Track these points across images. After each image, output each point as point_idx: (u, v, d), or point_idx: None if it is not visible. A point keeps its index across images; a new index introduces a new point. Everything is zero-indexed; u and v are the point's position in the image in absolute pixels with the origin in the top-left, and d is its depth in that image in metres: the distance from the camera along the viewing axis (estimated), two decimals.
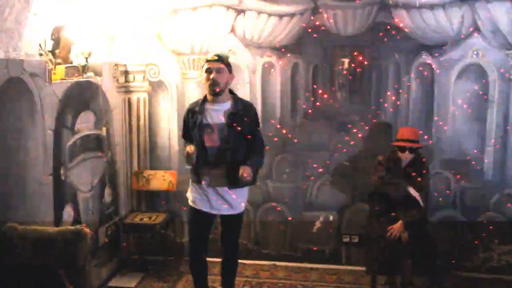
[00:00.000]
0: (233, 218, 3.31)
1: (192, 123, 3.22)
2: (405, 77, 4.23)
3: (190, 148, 3.07)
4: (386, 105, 4.27)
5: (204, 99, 3.25)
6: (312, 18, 4.26)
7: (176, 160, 4.56)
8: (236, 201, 3.25)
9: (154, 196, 4.61)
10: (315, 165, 4.35)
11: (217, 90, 3.15)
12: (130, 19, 4.35)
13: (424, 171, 3.76)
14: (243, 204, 3.32)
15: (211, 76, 3.12)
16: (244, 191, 3.30)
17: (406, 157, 3.77)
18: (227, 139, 3.11)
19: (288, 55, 4.33)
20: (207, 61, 3.16)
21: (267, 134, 4.08)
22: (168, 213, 4.50)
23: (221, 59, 3.15)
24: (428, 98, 4.25)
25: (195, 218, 3.31)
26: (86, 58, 3.85)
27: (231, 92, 3.28)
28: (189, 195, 3.35)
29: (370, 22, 4.21)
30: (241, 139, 3.14)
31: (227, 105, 3.20)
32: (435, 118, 4.21)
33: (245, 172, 2.99)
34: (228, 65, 3.19)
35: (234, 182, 3.15)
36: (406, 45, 4.16)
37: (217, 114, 3.16)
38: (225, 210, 3.26)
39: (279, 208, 4.50)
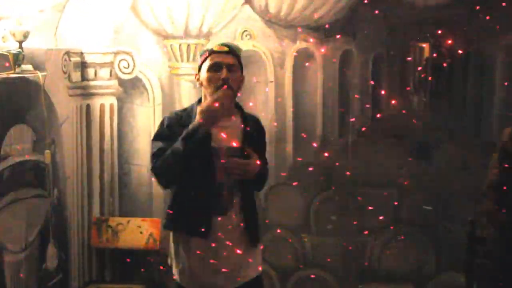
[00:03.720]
0: None
1: None
2: None
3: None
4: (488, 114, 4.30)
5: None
6: None
7: (160, 201, 4.47)
8: (252, 264, 3.07)
9: (125, 258, 4.45)
10: (376, 209, 4.24)
11: None
12: None
13: None
14: (260, 268, 3.20)
15: (222, 75, 3.03)
16: (260, 249, 3.17)
17: None
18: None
19: (337, 37, 4.32)
20: (213, 52, 3.10)
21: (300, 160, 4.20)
22: (148, 284, 4.36)
23: (233, 51, 3.13)
24: None
25: None
26: (20, 42, 3.78)
27: None
28: (175, 262, 3.16)
29: None
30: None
31: (236, 120, 3.15)
32: None
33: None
34: (240, 62, 3.16)
35: (253, 237, 3.02)
36: None
37: (225, 133, 3.07)
38: (236, 281, 3.04)
39: (320, 276, 4.30)
